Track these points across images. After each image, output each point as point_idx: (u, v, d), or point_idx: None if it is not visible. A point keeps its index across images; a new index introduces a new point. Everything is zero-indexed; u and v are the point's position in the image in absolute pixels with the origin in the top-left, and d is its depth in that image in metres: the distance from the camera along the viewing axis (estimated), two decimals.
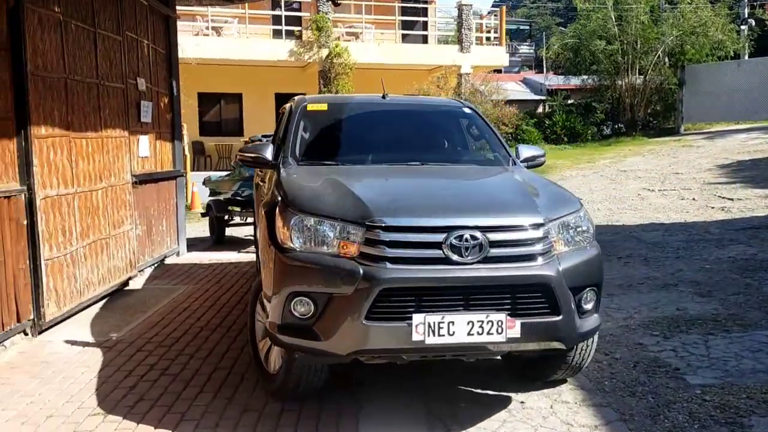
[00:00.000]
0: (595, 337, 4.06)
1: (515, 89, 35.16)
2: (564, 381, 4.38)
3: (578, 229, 3.75)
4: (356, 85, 17.92)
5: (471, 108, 5.42)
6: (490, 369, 4.59)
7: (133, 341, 5.16)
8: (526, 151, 4.95)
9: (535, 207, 3.68)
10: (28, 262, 5.13)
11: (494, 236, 3.44)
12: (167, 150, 8.47)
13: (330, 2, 17.31)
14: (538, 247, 3.50)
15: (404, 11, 20.21)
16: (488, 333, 3.32)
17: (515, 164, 4.82)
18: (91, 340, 5.22)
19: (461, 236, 3.37)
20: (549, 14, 65.46)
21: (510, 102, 31.58)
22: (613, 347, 5.01)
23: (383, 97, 5.41)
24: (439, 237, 3.38)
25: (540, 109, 32.07)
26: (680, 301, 6.13)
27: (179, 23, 17.66)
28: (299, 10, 18.90)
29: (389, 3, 18.81)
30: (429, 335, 3.28)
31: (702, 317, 5.61)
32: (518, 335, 3.36)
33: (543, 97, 33.02)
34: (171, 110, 8.72)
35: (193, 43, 16.84)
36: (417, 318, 3.27)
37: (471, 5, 18.72)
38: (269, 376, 4.06)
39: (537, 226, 3.54)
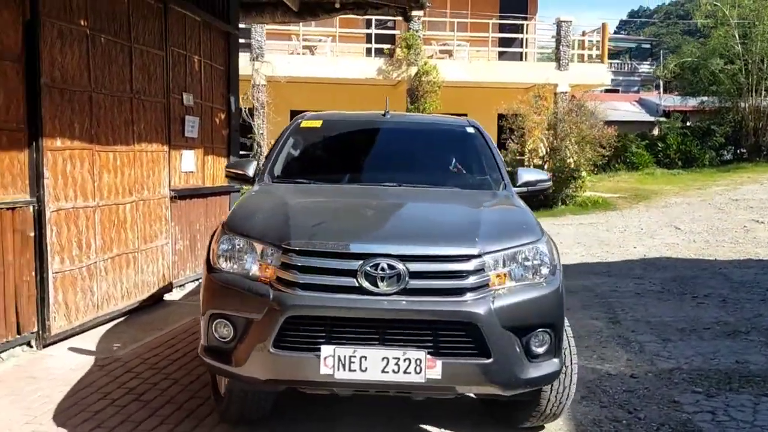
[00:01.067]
0: (572, 382, 3.63)
1: (629, 110, 33.51)
2: (542, 428, 3.86)
3: (531, 264, 3.35)
4: (444, 104, 17.53)
5: (475, 127, 5.05)
6: (461, 405, 4.11)
7: (128, 361, 5.00)
8: (526, 175, 4.61)
9: (472, 237, 3.30)
10: (33, 274, 5.10)
11: (415, 266, 3.13)
12: (220, 165, 8.42)
13: (415, 18, 17.08)
14: (468, 281, 3.15)
15: (501, 28, 19.64)
16: (405, 372, 3.03)
17: (506, 188, 4.46)
18: (90, 357, 5.10)
19: (377, 265, 3.10)
20: (679, 33, 62.37)
21: (621, 123, 30.07)
22: (642, 403, 4.32)
23: (384, 114, 5.17)
24: (354, 264, 3.13)
25: (656, 131, 30.28)
26: (745, 352, 5.30)
27: (273, 42, 18.14)
28: (393, 28, 18.79)
29: (486, 20, 18.33)
30: (339, 369, 3.04)
31: (763, 374, 4.79)
32: (439, 377, 3.04)
33: (657, 119, 31.14)
34: (228, 126, 8.69)
35: (285, 61, 17.09)
36: (326, 350, 3.04)
37: (570, 21, 17.87)
38: (219, 399, 3.86)
39: (467, 257, 3.19)
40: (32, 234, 5.07)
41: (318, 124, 5.09)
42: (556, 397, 3.59)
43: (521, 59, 19.70)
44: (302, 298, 3.08)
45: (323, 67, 17.33)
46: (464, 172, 4.88)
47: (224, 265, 3.40)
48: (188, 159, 7.50)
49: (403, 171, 4.70)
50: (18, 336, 5.00)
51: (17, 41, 4.94)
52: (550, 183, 4.69)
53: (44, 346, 5.23)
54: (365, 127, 5.32)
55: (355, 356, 3.03)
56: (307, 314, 3.08)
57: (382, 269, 3.09)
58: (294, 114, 19.61)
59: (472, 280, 3.15)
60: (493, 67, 17.84)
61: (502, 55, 19.60)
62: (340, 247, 3.20)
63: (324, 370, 3.03)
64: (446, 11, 19.46)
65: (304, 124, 5.06)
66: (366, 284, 3.08)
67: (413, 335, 3.07)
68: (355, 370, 3.03)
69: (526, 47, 20.10)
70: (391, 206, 4.02)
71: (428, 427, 3.90)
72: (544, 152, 17.16)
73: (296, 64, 17.18)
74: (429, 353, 3.03)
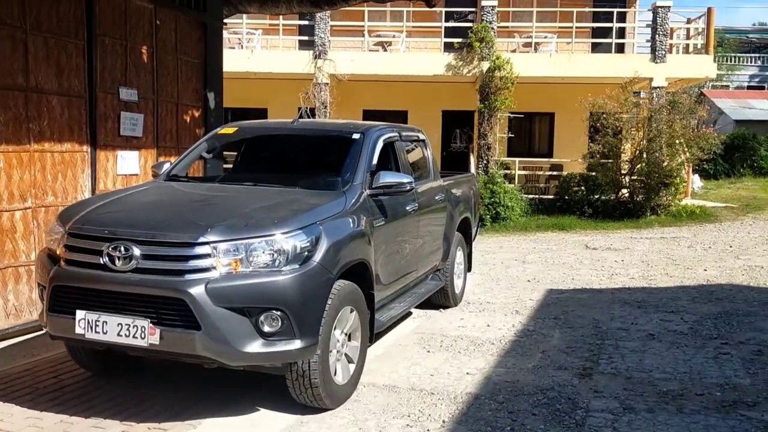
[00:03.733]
0: (311, 371, 3.90)
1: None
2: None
3: (268, 253, 3.74)
4: (524, 101, 15.94)
5: (362, 133, 5.24)
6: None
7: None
8: (384, 178, 4.85)
9: (205, 227, 3.74)
10: None
11: (146, 250, 3.71)
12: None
13: (489, 8, 15.66)
14: (188, 264, 3.66)
15: (596, 17, 17.62)
16: (134, 336, 3.64)
17: (349, 189, 4.65)
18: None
19: (116, 247, 3.72)
20: None
21: (756, 123, 26.71)
22: None
23: (292, 123, 5.62)
24: (102, 246, 3.76)
25: None
26: None
27: (342, 39, 17.32)
28: (474, 21, 17.34)
29: (574, 8, 16.48)
30: (88, 330, 3.73)
31: None
32: (158, 342, 3.61)
33: None
34: (204, 124, 7.88)
35: (348, 59, 16.21)
36: (79, 314, 3.75)
37: (668, 7, 15.54)
38: None
39: (190, 245, 3.69)
40: None
41: (232, 131, 5.70)
42: (300, 376, 3.91)
43: (619, 52, 17.57)
44: (63, 272, 3.85)
45: (389, 64, 16.24)
46: (330, 174, 5.03)
47: (48, 244, 4.20)
48: (128, 160, 6.73)
49: (270, 173, 5.22)
50: None
51: None
52: (408, 187, 4.92)
53: None
54: (269, 134, 5.99)
55: (99, 320, 3.71)
56: (65, 284, 3.84)
57: (120, 251, 3.71)
58: (366, 113, 18.77)
59: (191, 263, 3.66)
60: (578, 60, 15.91)
61: (595, 47, 17.60)
62: (95, 231, 3.86)
63: (78, 329, 3.74)
64: None
65: (222, 131, 5.77)
66: (107, 262, 3.72)
67: (141, 307, 3.66)
68: (99, 332, 3.71)
69: (624, 38, 17.95)
70: (196, 201, 4.63)
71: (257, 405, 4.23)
72: (633, 155, 15.11)
73: (360, 62, 16.20)
74: (152, 322, 3.62)
